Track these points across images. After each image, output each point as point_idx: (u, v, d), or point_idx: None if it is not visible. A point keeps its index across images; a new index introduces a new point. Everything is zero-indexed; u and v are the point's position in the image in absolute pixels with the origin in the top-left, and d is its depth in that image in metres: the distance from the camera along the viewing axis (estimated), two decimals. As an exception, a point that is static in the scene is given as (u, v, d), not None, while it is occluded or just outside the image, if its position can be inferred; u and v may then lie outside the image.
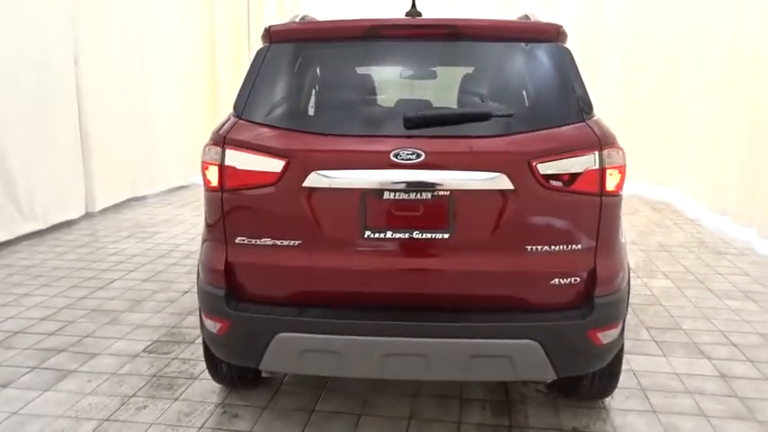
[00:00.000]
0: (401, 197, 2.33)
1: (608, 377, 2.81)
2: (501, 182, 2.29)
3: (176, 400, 3.02)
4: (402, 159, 2.28)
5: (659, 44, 8.45)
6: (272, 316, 2.41)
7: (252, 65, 2.58)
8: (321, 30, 2.55)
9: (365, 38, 2.51)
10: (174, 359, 3.44)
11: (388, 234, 2.35)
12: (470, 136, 2.35)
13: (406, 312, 2.38)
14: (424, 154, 2.29)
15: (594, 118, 2.46)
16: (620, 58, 8.88)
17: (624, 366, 3.29)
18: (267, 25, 2.61)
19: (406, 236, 2.35)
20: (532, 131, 2.36)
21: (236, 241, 2.47)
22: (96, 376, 3.26)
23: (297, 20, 2.83)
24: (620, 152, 2.42)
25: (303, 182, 2.34)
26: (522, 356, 2.34)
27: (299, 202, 2.37)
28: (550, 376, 2.41)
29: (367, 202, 2.34)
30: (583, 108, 2.42)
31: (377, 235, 2.35)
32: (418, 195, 2.33)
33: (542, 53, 2.52)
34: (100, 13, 7.10)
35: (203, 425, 2.80)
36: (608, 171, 2.37)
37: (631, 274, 4.82)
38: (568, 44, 2.59)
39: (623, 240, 2.63)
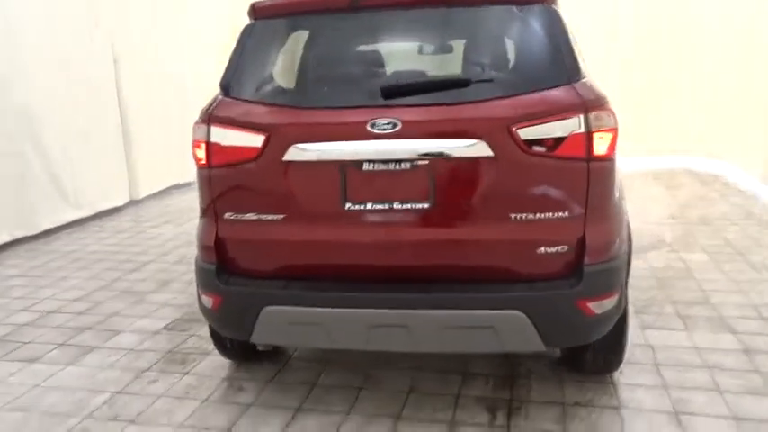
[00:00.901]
0: (380, 168, 2.31)
1: (612, 350, 2.73)
2: (480, 149, 2.24)
3: (187, 374, 3.11)
4: (378, 129, 2.26)
5: (704, 13, 8.10)
6: (259, 289, 2.44)
7: (237, 42, 2.60)
8: (302, 3, 2.54)
9: (346, 10, 2.49)
10: (191, 336, 3.54)
11: (369, 206, 2.34)
12: (449, 103, 2.29)
13: (390, 284, 2.37)
14: (400, 123, 2.25)
15: (584, 80, 2.37)
16: (666, 32, 8.56)
17: (640, 341, 3.25)
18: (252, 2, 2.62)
19: (387, 207, 2.33)
20: (514, 96, 2.29)
21: (225, 217, 2.51)
22: (116, 352, 3.39)
23: None
24: (610, 115, 2.32)
25: (283, 156, 2.35)
26: (508, 327, 2.29)
27: (281, 176, 2.39)
28: (539, 348, 2.34)
29: (347, 174, 2.33)
30: (569, 70, 2.33)
31: (357, 207, 2.34)
32: (397, 166, 2.30)
33: (527, 16, 2.43)
34: (138, 7, 7.30)
35: (208, 397, 2.88)
36: (596, 135, 2.27)
37: (665, 249, 4.72)
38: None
39: (621, 206, 2.54)
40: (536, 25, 2.41)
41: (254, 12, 2.60)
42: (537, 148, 2.25)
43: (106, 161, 6.88)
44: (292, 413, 2.72)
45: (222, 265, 2.54)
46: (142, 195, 7.48)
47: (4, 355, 3.42)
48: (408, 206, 2.32)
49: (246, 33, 2.60)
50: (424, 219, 2.33)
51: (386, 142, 2.27)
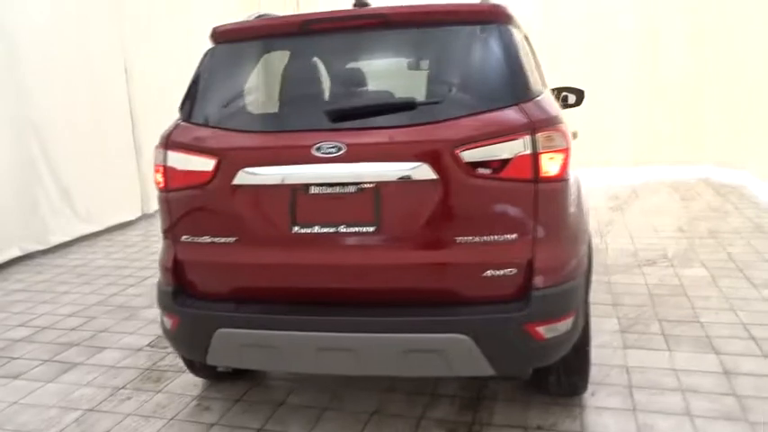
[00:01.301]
0: (326, 191, 2.32)
1: (575, 373, 2.68)
2: (423, 172, 2.22)
3: (159, 392, 3.15)
4: (323, 153, 2.27)
5: (723, 22, 7.95)
6: (212, 312, 2.47)
7: (197, 66, 2.64)
8: (258, 28, 2.57)
9: (297, 34, 2.51)
10: (170, 353, 3.58)
11: (316, 229, 2.34)
12: (394, 126, 2.29)
13: (337, 307, 2.37)
14: (345, 147, 2.26)
15: (537, 99, 2.34)
16: (684, 39, 8.44)
17: (618, 361, 3.18)
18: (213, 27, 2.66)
19: (333, 230, 2.33)
20: (460, 118, 2.27)
21: (182, 240, 2.54)
22: (96, 369, 3.46)
23: (252, 18, 2.86)
24: (561, 135, 2.29)
25: (233, 180, 2.38)
26: (453, 351, 2.26)
27: (232, 199, 2.41)
28: (487, 372, 2.31)
29: (295, 198, 2.34)
30: (518, 90, 2.30)
31: (305, 230, 2.35)
32: (343, 189, 2.30)
33: (475, 36, 2.41)
34: (148, 22, 7.48)
35: (174, 417, 2.91)
36: (544, 156, 2.24)
37: (664, 263, 4.61)
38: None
39: (579, 226, 2.49)
40: (485, 45, 2.39)
41: (215, 36, 2.64)
42: (482, 171, 2.22)
43: (118, 175, 7.04)
44: (253, 434, 2.73)
45: (179, 286, 2.57)
46: (154, 209, 7.62)
47: (-10, 371, 3.52)
48: (354, 229, 2.31)
49: (206, 58, 2.64)
50: (369, 242, 2.32)
51: (330, 166, 2.27)
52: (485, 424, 2.70)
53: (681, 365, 3.12)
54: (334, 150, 2.26)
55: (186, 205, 2.52)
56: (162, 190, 2.56)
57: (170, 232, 2.58)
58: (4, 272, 5.54)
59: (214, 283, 2.53)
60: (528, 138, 2.22)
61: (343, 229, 2.32)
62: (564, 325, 2.35)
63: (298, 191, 2.34)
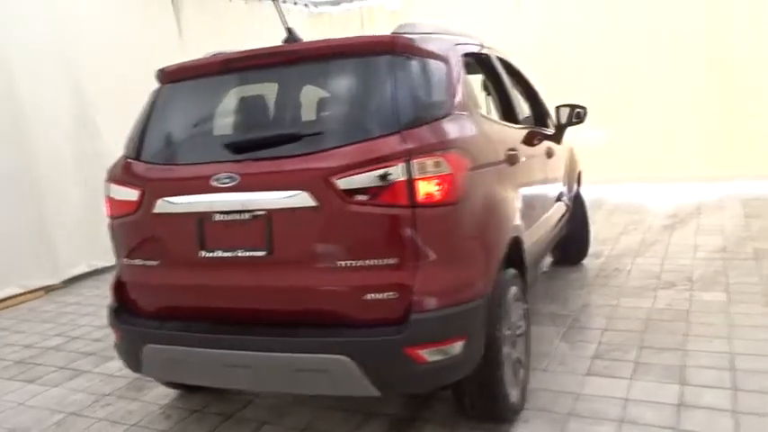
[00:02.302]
0: (226, 218, 2.50)
1: (486, 398, 2.66)
2: (303, 199, 2.35)
3: (136, 400, 3.45)
4: (220, 183, 2.46)
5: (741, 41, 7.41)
6: (141, 329, 2.72)
7: (144, 106, 2.93)
8: (185, 69, 2.81)
9: (218, 72, 2.74)
10: (163, 365, 3.89)
11: (218, 253, 2.53)
12: (281, 156, 2.44)
13: (239, 327, 2.53)
14: (238, 177, 2.44)
15: (430, 125, 2.40)
16: (758, 47, 7.90)
17: (572, 389, 3.10)
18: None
19: (232, 255, 2.50)
20: (341, 146, 2.37)
21: (123, 262, 2.83)
22: (97, 377, 3.84)
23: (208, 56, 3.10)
24: (441, 161, 2.33)
25: (153, 208, 2.63)
26: (337, 372, 2.34)
27: (153, 225, 2.66)
28: (373, 393, 2.37)
29: (202, 225, 2.55)
30: (401, 118, 2.37)
31: (210, 254, 2.54)
32: (240, 216, 2.47)
33: (369, 67, 2.52)
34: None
35: (137, 423, 3.19)
36: (421, 182, 2.29)
37: (683, 287, 4.34)
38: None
39: (475, 250, 2.50)
40: (375, 76, 2.49)
41: (158, 77, 2.92)
42: (359, 197, 2.31)
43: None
44: (193, 442, 2.95)
45: (122, 304, 2.85)
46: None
47: (15, 375, 4.00)
48: (249, 254, 2.47)
49: (151, 97, 2.93)
50: (261, 266, 2.47)
51: (226, 195, 2.46)
52: (404, 445, 2.75)
53: (635, 395, 2.97)
54: (228, 181, 2.45)
55: (124, 231, 2.80)
56: (109, 217, 2.87)
57: (116, 255, 2.88)
58: (71, 286, 6.21)
59: (145, 302, 2.79)
60: (403, 165, 2.28)
61: (240, 253, 2.49)
62: (451, 349, 2.36)
63: (204, 218, 2.54)
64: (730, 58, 8.10)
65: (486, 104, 4.70)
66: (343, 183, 2.31)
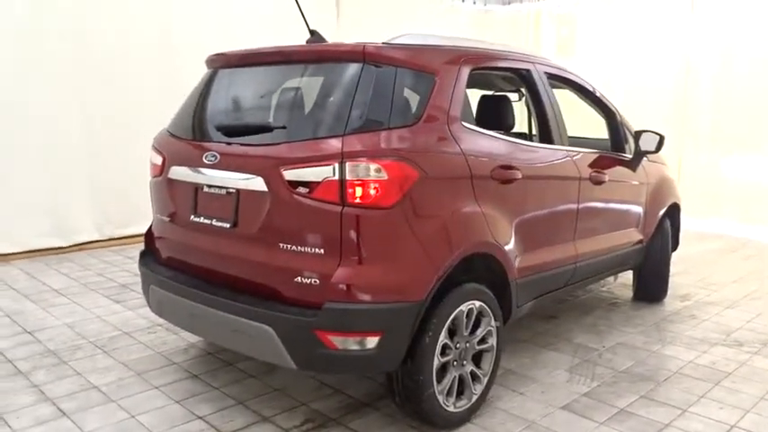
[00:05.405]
0: (210, 191, 2.91)
1: (410, 399, 2.77)
2: (257, 183, 2.66)
3: (176, 333, 4.05)
4: (208, 160, 2.87)
5: None
6: (148, 271, 3.25)
7: (193, 90, 3.44)
8: (213, 60, 3.25)
9: (232, 65, 3.18)
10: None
11: (202, 220, 2.95)
12: (250, 144, 2.78)
13: (206, 284, 2.92)
14: (220, 157, 2.83)
15: (366, 134, 2.55)
16: None
17: (531, 417, 3.08)
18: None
19: (209, 222, 2.91)
20: (296, 141, 2.64)
21: (155, 214, 3.38)
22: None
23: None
24: (379, 167, 2.49)
25: (169, 174, 3.13)
26: (261, 339, 2.63)
27: (169, 188, 3.15)
28: (290, 365, 2.63)
29: (196, 193, 2.99)
30: (348, 122, 2.56)
31: (197, 219, 2.97)
32: (219, 191, 2.86)
33: (338, 72, 2.73)
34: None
35: (163, 351, 3.77)
36: (352, 183, 2.48)
37: (750, 349, 3.91)
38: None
39: (399, 257, 2.60)
40: (340, 81, 2.72)
41: (207, 62, 3.40)
42: (300, 189, 2.57)
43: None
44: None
45: (148, 250, 3.42)
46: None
47: (111, 294, 4.87)
48: (219, 224, 2.86)
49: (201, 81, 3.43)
50: (226, 236, 2.84)
51: (210, 171, 2.86)
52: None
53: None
54: (213, 159, 2.85)
55: (153, 189, 3.34)
56: (151, 177, 3.44)
57: (153, 209, 3.45)
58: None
59: (159, 251, 3.32)
60: (337, 165, 2.49)
61: (214, 222, 2.89)
62: (365, 342, 2.54)
63: (198, 189, 2.97)
64: None
65: (528, 121, 4.60)
66: (288, 174, 2.58)
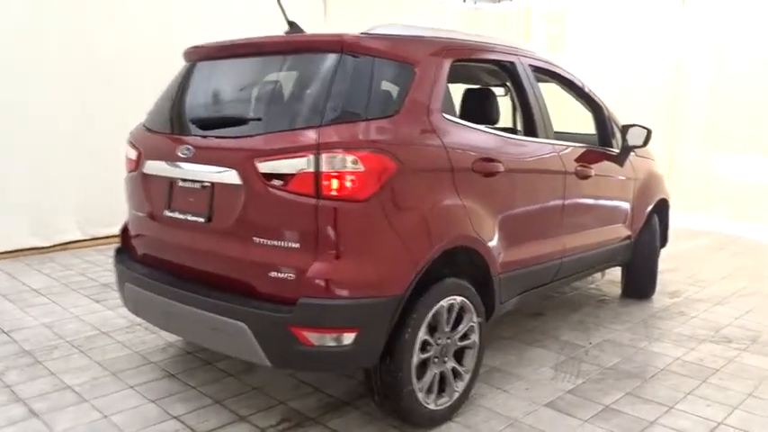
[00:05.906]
0: (184, 185, 2.83)
1: (388, 396, 2.71)
2: (231, 176, 2.58)
3: (155, 333, 3.97)
4: (182, 154, 2.79)
5: None
6: (124, 269, 3.16)
7: (171, 81, 3.36)
8: (197, 51, 3.17)
9: (209, 58, 3.09)
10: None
11: (176, 215, 2.86)
12: (225, 136, 2.70)
13: (180, 281, 2.84)
14: (194, 150, 2.75)
15: (343, 125, 2.48)
16: None
17: (514, 414, 3.02)
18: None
19: (184, 217, 2.83)
20: (270, 133, 2.57)
21: (132, 211, 3.30)
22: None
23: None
24: (355, 159, 2.42)
25: (143, 168, 3.05)
26: (236, 336, 2.55)
27: (143, 183, 3.07)
28: (264, 362, 2.55)
29: (171, 187, 2.90)
30: (323, 113, 2.49)
31: (171, 214, 2.89)
32: (193, 185, 2.79)
33: (315, 63, 2.66)
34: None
35: (141, 351, 3.69)
36: (327, 175, 2.41)
37: (738, 346, 3.88)
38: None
39: (375, 250, 2.54)
40: (316, 71, 2.65)
41: (184, 55, 3.32)
42: (275, 182, 2.49)
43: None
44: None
45: (124, 247, 3.34)
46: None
47: (92, 294, 4.78)
48: (194, 219, 2.78)
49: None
50: (201, 231, 2.76)
51: (185, 164, 2.78)
52: None
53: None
54: (188, 152, 2.77)
55: (130, 185, 3.26)
56: (126, 172, 3.36)
57: (128, 205, 3.36)
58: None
59: (134, 247, 3.24)
60: (312, 157, 2.42)
61: (189, 217, 2.81)
62: (341, 338, 2.47)
63: (173, 183, 2.89)
64: None
65: (513, 115, 4.55)
66: (263, 166, 2.51)
